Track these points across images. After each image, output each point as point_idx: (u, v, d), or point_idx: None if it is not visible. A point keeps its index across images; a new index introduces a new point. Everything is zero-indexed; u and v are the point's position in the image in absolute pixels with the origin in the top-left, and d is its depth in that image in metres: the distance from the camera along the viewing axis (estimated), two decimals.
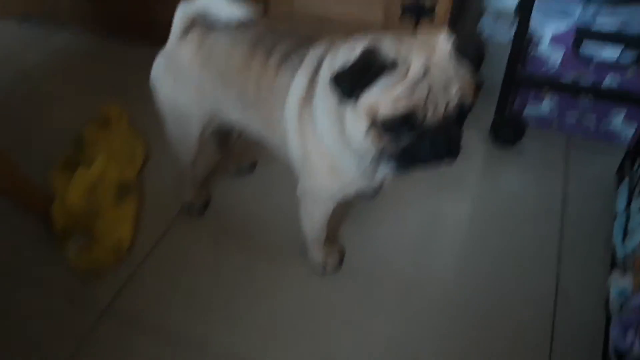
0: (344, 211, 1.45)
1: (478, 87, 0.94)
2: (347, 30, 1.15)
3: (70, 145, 1.65)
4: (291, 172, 1.20)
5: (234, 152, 1.57)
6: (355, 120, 0.92)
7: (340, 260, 1.36)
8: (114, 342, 1.21)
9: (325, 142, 1.03)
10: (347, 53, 0.95)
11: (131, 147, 1.64)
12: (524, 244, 1.39)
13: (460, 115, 0.91)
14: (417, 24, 1.74)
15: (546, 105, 1.62)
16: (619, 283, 1.14)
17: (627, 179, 1.37)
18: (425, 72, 0.87)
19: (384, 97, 0.88)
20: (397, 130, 0.89)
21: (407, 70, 0.87)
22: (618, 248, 1.24)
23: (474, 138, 1.66)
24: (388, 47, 0.89)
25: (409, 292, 1.30)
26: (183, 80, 1.21)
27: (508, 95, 1.55)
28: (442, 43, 0.90)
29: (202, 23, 1.16)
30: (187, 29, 1.18)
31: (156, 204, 1.51)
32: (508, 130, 1.60)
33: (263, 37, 1.12)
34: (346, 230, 1.43)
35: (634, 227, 1.20)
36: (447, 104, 0.89)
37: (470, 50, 0.91)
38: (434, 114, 0.89)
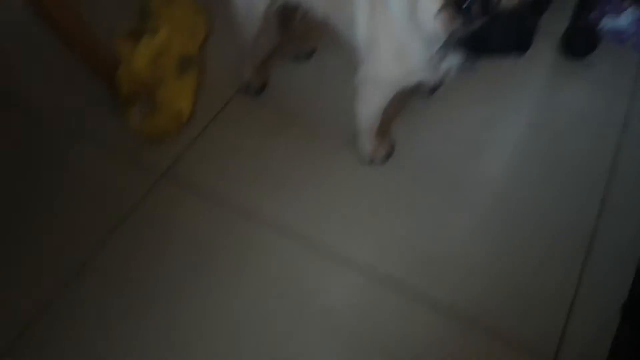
0: (400, 105, 1.46)
1: None
2: None
3: (136, 16, 1.67)
4: (346, 65, 1.19)
5: (295, 35, 1.56)
6: (428, 0, 0.90)
7: (389, 154, 1.38)
8: (168, 204, 1.31)
9: (395, 24, 1.02)
10: None
11: (194, 21, 1.65)
12: (577, 159, 1.39)
13: (537, 3, 0.87)
14: None
15: (625, 18, 1.53)
16: None
17: None
18: None
19: None
20: (469, 11, 0.87)
21: None
22: None
23: (543, 44, 1.59)
24: None
25: (452, 191, 1.33)
26: None
27: (587, 3, 1.46)
28: None
29: None
30: None
31: (216, 80, 1.55)
32: (580, 41, 1.53)
33: None
34: (399, 127, 1.44)
35: None
36: None
37: None
38: None
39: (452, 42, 0.93)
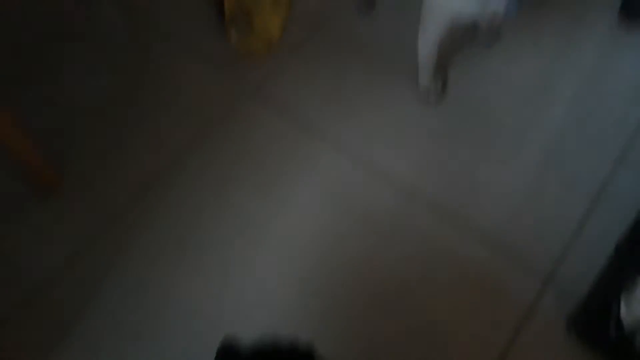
0: (457, 45, 1.65)
1: None
2: None
3: None
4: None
5: None
6: None
7: (443, 94, 1.58)
8: (252, 118, 1.59)
9: None
10: None
11: None
12: (612, 119, 1.54)
13: None
14: None
15: None
16: None
17: None
18: None
19: None
20: None
21: None
22: None
23: (604, 6, 1.72)
24: None
25: (502, 137, 1.54)
26: None
27: None
28: None
29: None
30: None
31: (306, 12, 1.80)
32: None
33: None
34: (457, 74, 1.64)
35: None
36: None
37: None
38: None
39: None
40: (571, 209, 1.41)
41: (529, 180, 1.46)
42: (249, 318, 1.26)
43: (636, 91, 1.58)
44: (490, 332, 1.24)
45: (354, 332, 1.25)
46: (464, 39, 1.64)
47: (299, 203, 1.45)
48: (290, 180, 1.48)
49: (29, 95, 1.61)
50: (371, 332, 1.25)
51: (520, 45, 1.68)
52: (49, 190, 1.47)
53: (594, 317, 1.17)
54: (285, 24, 1.77)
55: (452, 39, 1.47)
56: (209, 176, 1.49)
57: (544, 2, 1.75)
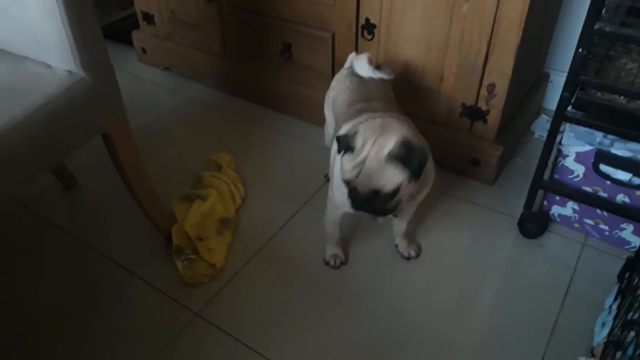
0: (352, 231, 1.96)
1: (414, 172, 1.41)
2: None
3: (191, 183, 2.20)
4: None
5: None
6: (339, 165, 1.49)
7: (339, 265, 1.86)
8: (197, 339, 1.67)
9: (336, 165, 1.57)
10: (351, 125, 1.54)
11: (235, 190, 2.15)
12: (521, 322, 1.71)
13: (379, 197, 1.42)
14: (472, 123, 2.12)
15: (570, 207, 1.93)
16: None
17: (619, 284, 1.66)
18: (364, 160, 1.39)
19: (343, 162, 1.44)
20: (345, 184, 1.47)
21: (359, 155, 1.40)
22: (595, 337, 1.54)
23: (506, 224, 2.01)
24: (360, 135, 1.42)
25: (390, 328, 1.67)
26: None
27: (534, 196, 1.88)
28: (386, 146, 1.39)
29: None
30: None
31: (245, 238, 2.00)
32: (532, 226, 1.94)
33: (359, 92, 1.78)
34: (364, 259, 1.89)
35: (607, 321, 1.50)
36: (368, 186, 1.41)
37: (403, 156, 1.38)
38: (361, 188, 1.42)
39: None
40: None
41: None
42: None
43: (542, 292, 1.79)
44: None
45: None
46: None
47: None
48: None
49: None
50: None
51: (441, 257, 1.91)
52: None
53: None
54: (229, 248, 1.94)
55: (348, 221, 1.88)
56: None
57: (455, 217, 2.04)
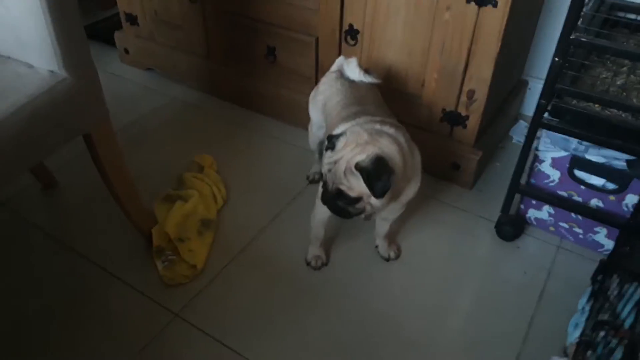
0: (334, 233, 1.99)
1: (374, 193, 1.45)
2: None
3: (172, 183, 2.19)
4: None
5: None
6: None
7: (321, 266, 1.89)
8: (178, 340, 1.67)
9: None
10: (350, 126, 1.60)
11: (216, 191, 2.15)
12: (498, 322, 1.75)
13: (343, 198, 1.49)
14: (452, 128, 2.16)
15: (545, 211, 1.98)
16: None
17: (592, 286, 1.71)
18: (335, 162, 1.47)
19: (324, 156, 1.53)
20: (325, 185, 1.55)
21: (337, 154, 1.47)
22: (568, 337, 1.58)
23: (484, 227, 2.05)
24: (345, 137, 1.49)
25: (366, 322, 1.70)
26: None
27: (511, 200, 1.93)
28: (359, 156, 1.44)
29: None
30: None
31: (226, 239, 2.00)
32: (509, 229, 1.98)
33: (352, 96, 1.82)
34: (346, 257, 1.92)
35: (579, 322, 1.55)
36: (334, 184, 1.49)
37: (369, 171, 1.42)
38: (330, 184, 1.50)
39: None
40: None
41: None
42: None
43: (516, 292, 1.83)
44: None
45: None
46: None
47: None
48: None
49: None
50: None
51: (422, 257, 1.94)
52: None
53: None
54: (209, 249, 1.95)
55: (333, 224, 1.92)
56: None
57: (435, 219, 2.08)
